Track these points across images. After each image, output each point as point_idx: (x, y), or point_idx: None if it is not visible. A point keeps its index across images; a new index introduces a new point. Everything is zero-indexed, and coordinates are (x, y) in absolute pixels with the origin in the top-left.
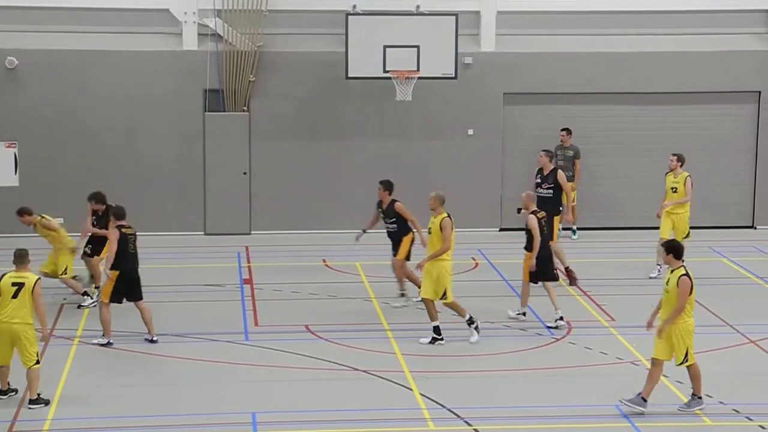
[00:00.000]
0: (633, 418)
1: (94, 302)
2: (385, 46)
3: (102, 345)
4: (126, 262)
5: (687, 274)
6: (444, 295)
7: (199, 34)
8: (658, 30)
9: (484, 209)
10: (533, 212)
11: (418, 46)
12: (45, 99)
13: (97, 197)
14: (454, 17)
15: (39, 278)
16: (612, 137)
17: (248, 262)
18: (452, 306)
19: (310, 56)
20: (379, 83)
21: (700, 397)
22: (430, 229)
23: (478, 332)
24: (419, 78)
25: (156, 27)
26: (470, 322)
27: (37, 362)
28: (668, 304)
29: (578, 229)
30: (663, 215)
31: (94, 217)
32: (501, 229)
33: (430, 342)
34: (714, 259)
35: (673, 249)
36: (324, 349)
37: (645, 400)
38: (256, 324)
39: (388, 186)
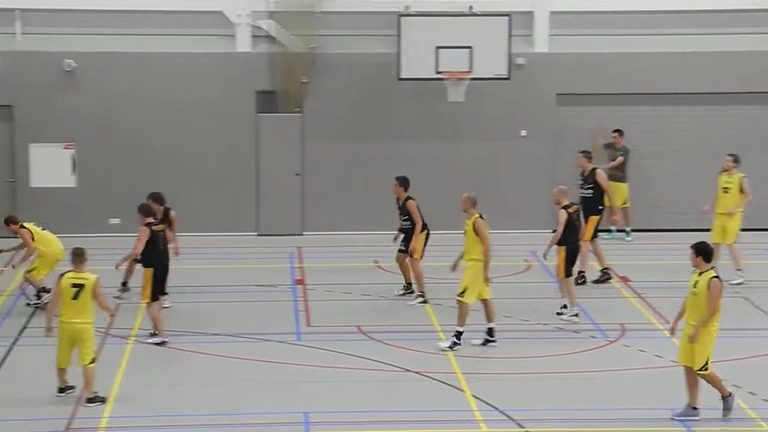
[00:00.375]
0: (689, 423)
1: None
2: (438, 47)
3: (156, 344)
4: (159, 259)
5: (717, 277)
6: (463, 293)
7: (252, 36)
8: (714, 30)
9: (536, 211)
10: (564, 207)
11: (470, 47)
12: (101, 101)
13: (154, 197)
14: (507, 18)
15: (98, 277)
16: (666, 138)
17: (300, 262)
18: (462, 307)
19: (363, 57)
20: (431, 84)
21: (695, 408)
22: (465, 231)
23: (453, 346)
24: (472, 79)
25: (210, 29)
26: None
27: (93, 360)
28: (696, 308)
29: (632, 230)
30: (715, 218)
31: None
32: (553, 231)
33: (482, 343)
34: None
35: (703, 251)
36: (376, 349)
37: (695, 408)
38: (308, 324)
39: (403, 182)
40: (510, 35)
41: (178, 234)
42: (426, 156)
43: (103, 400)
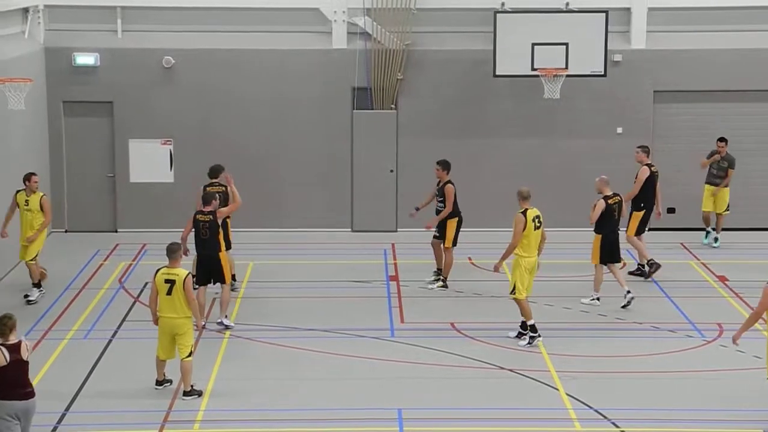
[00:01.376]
0: None
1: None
2: (534, 44)
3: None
4: (198, 246)
5: None
6: (513, 290)
7: (348, 33)
8: None
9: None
10: (605, 197)
11: (567, 44)
12: (199, 97)
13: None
14: (604, 14)
15: (189, 273)
16: (763, 136)
17: (394, 259)
18: (519, 303)
19: (458, 54)
20: (527, 81)
21: None
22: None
23: (530, 340)
24: (567, 76)
25: (306, 26)
26: (525, 327)
27: (191, 354)
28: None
29: (729, 229)
30: None
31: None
32: (650, 229)
33: (528, 343)
34: None
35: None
36: (470, 347)
37: None
38: (402, 321)
39: (445, 166)
40: (607, 32)
41: (268, 229)
42: (521, 153)
43: (200, 394)
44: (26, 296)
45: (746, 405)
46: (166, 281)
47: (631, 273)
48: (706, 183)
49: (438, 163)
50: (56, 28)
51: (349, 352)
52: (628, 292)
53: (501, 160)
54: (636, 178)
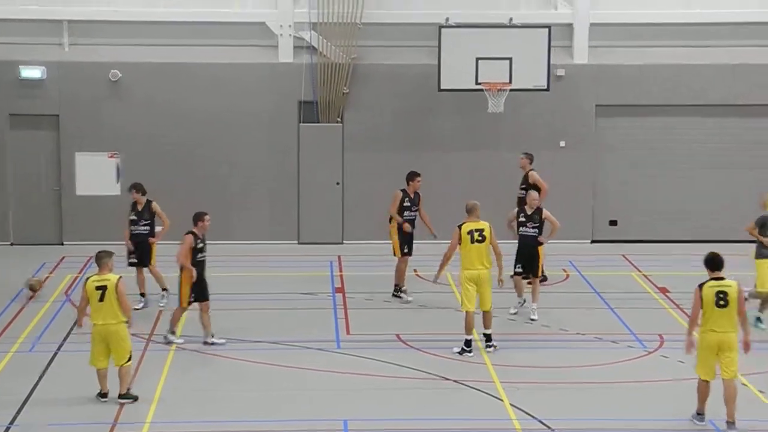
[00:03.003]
0: None
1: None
2: (478, 59)
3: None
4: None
5: (700, 285)
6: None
7: (294, 47)
8: (750, 41)
9: (576, 221)
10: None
11: (510, 59)
12: (146, 111)
13: (136, 187)
14: (546, 29)
15: (120, 277)
16: (703, 148)
17: (340, 271)
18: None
19: (403, 68)
20: (471, 95)
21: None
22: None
23: (461, 351)
24: (511, 90)
25: (253, 40)
26: (489, 338)
27: (129, 359)
28: (730, 322)
29: (670, 241)
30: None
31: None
32: (593, 241)
33: (458, 352)
34: None
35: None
36: (415, 358)
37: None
38: (348, 332)
39: (408, 176)
40: (550, 47)
41: (215, 242)
42: (466, 166)
43: (135, 398)
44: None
45: (688, 414)
46: (98, 288)
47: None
48: (760, 258)
49: (414, 174)
50: (1, 41)
51: (295, 363)
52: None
53: (446, 173)
54: (533, 181)
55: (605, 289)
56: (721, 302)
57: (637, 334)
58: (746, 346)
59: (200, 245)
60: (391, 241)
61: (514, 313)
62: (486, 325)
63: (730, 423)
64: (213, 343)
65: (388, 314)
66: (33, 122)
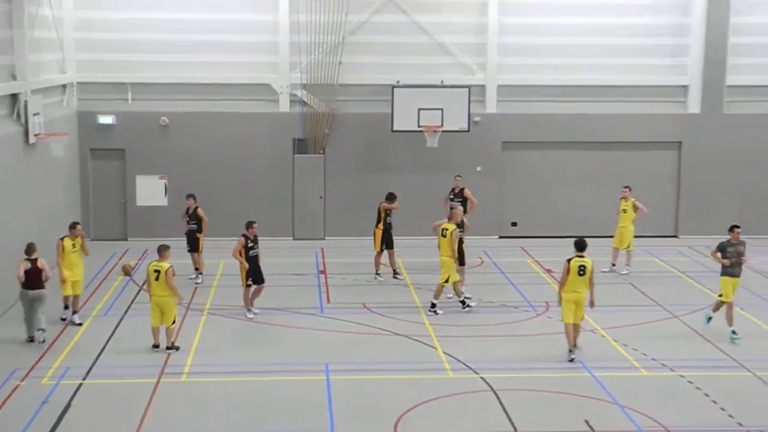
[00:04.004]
0: (591, 368)
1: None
2: (419, 109)
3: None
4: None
5: (569, 259)
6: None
7: (290, 101)
8: (609, 98)
9: (486, 221)
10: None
11: (442, 109)
12: (185, 144)
13: (192, 196)
14: (467, 89)
15: (171, 266)
16: (579, 172)
17: (323, 258)
18: (439, 287)
19: (367, 116)
20: (415, 135)
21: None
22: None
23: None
24: (443, 131)
25: (261, 96)
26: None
27: (174, 322)
28: (585, 283)
29: (559, 237)
30: (617, 231)
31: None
32: (499, 237)
33: (434, 312)
34: (649, 258)
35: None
36: (377, 320)
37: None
38: (329, 302)
39: (390, 197)
40: (469, 101)
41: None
42: (411, 185)
43: (177, 348)
44: (63, 318)
45: (564, 350)
46: (155, 271)
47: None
48: (727, 276)
49: (389, 194)
50: (85, 98)
51: (291, 323)
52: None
53: (397, 189)
54: (466, 196)
55: (509, 271)
56: (581, 272)
57: (531, 302)
58: (591, 304)
59: (250, 244)
60: (373, 238)
61: (450, 297)
62: (435, 296)
63: (574, 346)
64: (253, 314)
65: (357, 289)
66: (107, 154)
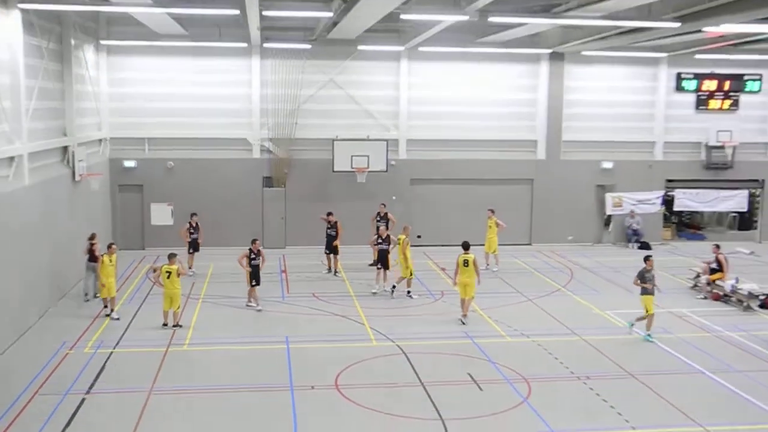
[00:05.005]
0: (473, 337)
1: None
2: (352, 155)
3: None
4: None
5: (459, 256)
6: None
7: (260, 150)
8: (483, 148)
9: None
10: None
11: (368, 156)
12: (184, 181)
13: (195, 213)
14: (385, 142)
15: (179, 267)
16: (469, 200)
17: (284, 262)
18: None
19: (316, 161)
20: (349, 174)
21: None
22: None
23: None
24: (369, 171)
25: (239, 146)
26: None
27: (179, 307)
28: (470, 273)
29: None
30: (486, 240)
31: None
32: (412, 245)
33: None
34: (511, 260)
35: (464, 245)
36: (322, 305)
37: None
38: (288, 292)
39: (328, 214)
40: (387, 149)
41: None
42: (347, 210)
43: (181, 326)
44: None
45: (457, 325)
46: (167, 272)
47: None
48: (648, 294)
49: (328, 213)
50: (114, 148)
51: (261, 307)
52: (394, 287)
53: (338, 212)
54: (389, 217)
55: (416, 270)
56: (465, 264)
57: (431, 291)
58: (478, 282)
59: (253, 256)
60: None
61: (374, 292)
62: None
63: (464, 315)
64: (250, 306)
65: (309, 283)
66: (130, 188)
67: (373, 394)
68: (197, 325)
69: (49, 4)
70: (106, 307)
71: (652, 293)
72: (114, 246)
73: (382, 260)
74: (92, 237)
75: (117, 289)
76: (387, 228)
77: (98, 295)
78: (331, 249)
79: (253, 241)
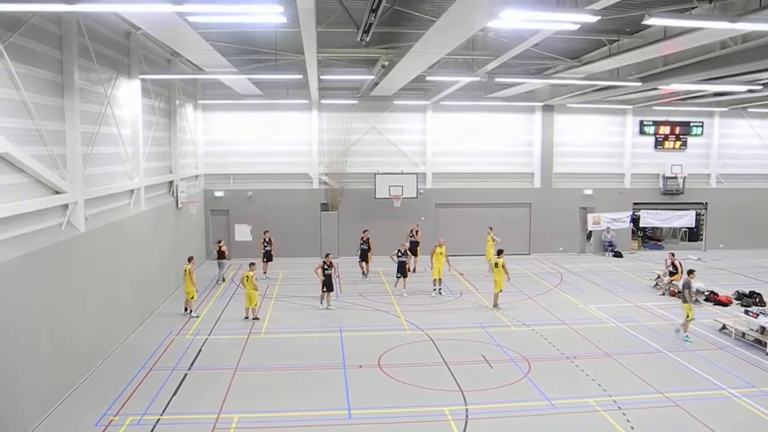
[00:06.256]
0: (485, 327)
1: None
2: (390, 185)
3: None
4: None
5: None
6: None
7: (319, 182)
8: (491, 180)
9: (425, 247)
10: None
11: (402, 186)
12: (262, 207)
13: (267, 231)
14: (416, 175)
15: (253, 273)
16: (474, 220)
17: (338, 269)
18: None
19: (361, 190)
20: (388, 200)
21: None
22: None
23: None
24: (403, 198)
25: (303, 180)
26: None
27: (256, 304)
28: (500, 273)
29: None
30: (486, 251)
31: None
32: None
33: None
34: (514, 266)
35: (499, 252)
36: (367, 302)
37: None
38: (341, 292)
39: (364, 231)
40: (417, 180)
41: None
42: (386, 228)
43: (258, 319)
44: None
45: (471, 321)
46: (246, 276)
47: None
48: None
49: (363, 231)
50: (208, 182)
51: (319, 305)
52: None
53: (377, 231)
54: (419, 235)
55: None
56: (496, 266)
57: (452, 291)
58: (508, 279)
59: (326, 266)
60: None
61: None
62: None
63: (496, 305)
64: (329, 309)
65: (355, 285)
66: (219, 213)
67: (408, 372)
68: (271, 318)
69: (160, 74)
70: (186, 309)
71: (692, 301)
72: (193, 259)
73: (401, 270)
74: (219, 242)
75: (210, 288)
76: (418, 243)
77: (224, 279)
78: (365, 259)
79: (327, 255)
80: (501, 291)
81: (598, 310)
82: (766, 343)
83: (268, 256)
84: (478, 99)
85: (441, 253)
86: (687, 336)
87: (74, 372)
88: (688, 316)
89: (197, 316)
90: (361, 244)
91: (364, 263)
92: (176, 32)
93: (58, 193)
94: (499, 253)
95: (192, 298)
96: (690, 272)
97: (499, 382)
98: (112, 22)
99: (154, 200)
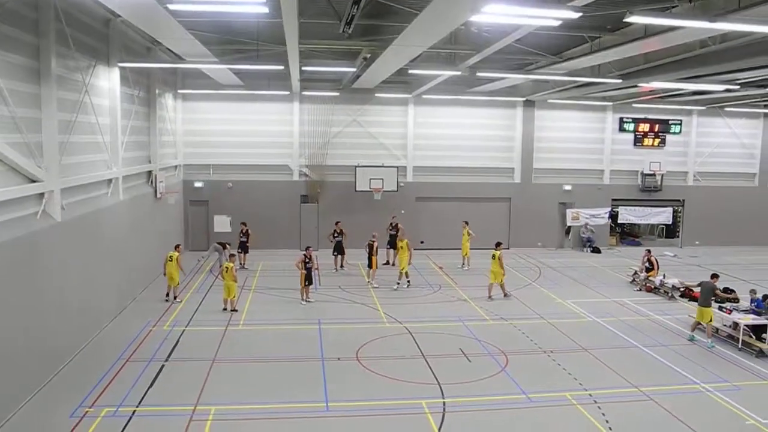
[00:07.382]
0: (464, 321)
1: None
2: (370, 178)
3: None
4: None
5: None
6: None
7: (299, 173)
8: (472, 174)
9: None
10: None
11: (383, 179)
12: (241, 198)
13: (245, 223)
14: (396, 168)
15: (233, 264)
16: (454, 214)
17: (317, 261)
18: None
19: (341, 183)
20: (368, 193)
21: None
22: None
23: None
24: (384, 191)
25: (283, 171)
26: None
27: (234, 296)
28: (495, 264)
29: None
30: (462, 245)
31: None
32: (414, 249)
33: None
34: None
35: (498, 245)
36: (346, 295)
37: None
38: (320, 284)
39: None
40: (398, 173)
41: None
42: (366, 221)
43: (236, 311)
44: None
45: (450, 315)
46: (226, 268)
47: None
48: (703, 306)
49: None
50: (187, 172)
51: (299, 297)
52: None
53: (358, 223)
54: (400, 227)
55: (418, 268)
56: (492, 258)
57: (431, 284)
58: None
59: (307, 260)
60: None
61: (376, 287)
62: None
63: (506, 294)
64: (308, 301)
65: (331, 278)
66: (198, 203)
67: (386, 364)
68: (249, 310)
69: (140, 63)
70: (168, 294)
71: (710, 305)
72: (180, 246)
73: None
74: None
75: (188, 280)
76: (397, 236)
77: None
78: (340, 251)
79: (307, 248)
80: (502, 281)
81: (576, 305)
82: (738, 338)
83: (243, 248)
84: (460, 93)
85: (402, 248)
86: (711, 341)
87: (49, 363)
88: (710, 320)
89: (180, 301)
90: (335, 236)
91: (339, 256)
92: (156, 20)
93: (33, 181)
94: (497, 245)
95: (176, 284)
96: (714, 276)
97: (477, 375)
98: (91, 9)
99: (132, 190)
